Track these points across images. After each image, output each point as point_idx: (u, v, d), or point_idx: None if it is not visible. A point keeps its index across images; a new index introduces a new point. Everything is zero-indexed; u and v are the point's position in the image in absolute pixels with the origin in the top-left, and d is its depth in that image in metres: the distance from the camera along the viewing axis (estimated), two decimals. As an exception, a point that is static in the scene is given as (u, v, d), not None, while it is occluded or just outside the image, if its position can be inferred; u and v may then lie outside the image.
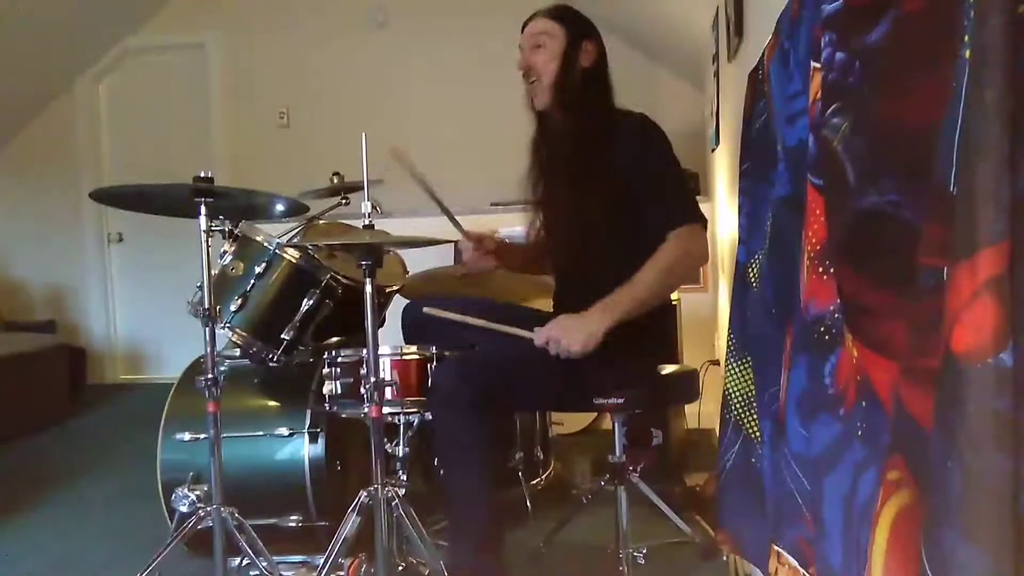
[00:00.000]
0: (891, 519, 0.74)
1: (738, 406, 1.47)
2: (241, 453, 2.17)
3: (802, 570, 1.09)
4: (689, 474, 2.76)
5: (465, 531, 1.75)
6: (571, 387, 1.83)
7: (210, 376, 1.80)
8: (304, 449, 2.18)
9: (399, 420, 2.00)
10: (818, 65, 0.96)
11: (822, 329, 0.96)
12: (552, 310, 1.99)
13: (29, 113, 5.27)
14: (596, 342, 1.71)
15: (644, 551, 1.97)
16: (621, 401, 1.85)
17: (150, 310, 5.26)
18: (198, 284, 1.92)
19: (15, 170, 5.30)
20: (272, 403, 2.31)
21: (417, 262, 2.67)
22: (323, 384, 1.94)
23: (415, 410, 1.92)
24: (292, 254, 2.15)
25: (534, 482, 2.66)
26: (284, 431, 2.19)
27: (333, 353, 1.94)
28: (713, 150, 3.61)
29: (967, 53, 0.61)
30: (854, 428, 0.87)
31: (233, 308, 2.12)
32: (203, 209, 1.81)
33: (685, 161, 1.93)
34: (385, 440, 1.82)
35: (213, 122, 5.20)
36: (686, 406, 2.86)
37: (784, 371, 1.14)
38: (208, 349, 1.83)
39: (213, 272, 1.87)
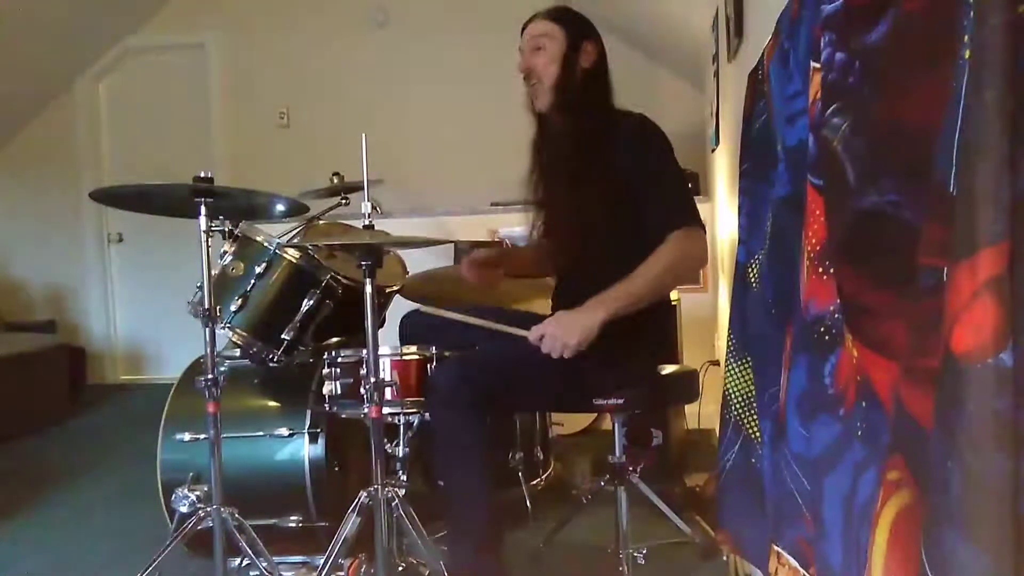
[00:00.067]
0: (891, 519, 0.74)
1: (738, 406, 1.47)
2: (241, 453, 2.17)
3: (802, 570, 1.09)
4: (689, 474, 2.76)
5: (465, 531, 1.75)
6: (571, 387, 1.83)
7: (210, 376, 1.80)
8: (304, 449, 2.18)
9: (399, 420, 2.00)
10: (818, 65, 0.96)
11: (822, 329, 0.96)
12: (550, 311, 1.99)
13: (29, 113, 5.27)
14: (592, 335, 1.70)
15: (644, 551, 1.97)
16: (621, 401, 1.85)
17: (150, 310, 5.26)
18: (198, 284, 1.92)
19: (15, 170, 5.30)
20: (272, 403, 2.31)
21: (417, 262, 2.67)
22: (323, 384, 1.94)
23: (415, 410, 1.92)
24: (292, 254, 2.15)
25: (534, 482, 2.66)
26: (284, 431, 2.19)
27: (333, 353, 1.94)
28: (713, 150, 3.61)
29: (967, 53, 0.61)
30: (854, 428, 0.87)
31: (233, 308, 2.12)
32: (203, 209, 1.81)
33: (685, 161, 1.93)
34: (385, 440, 1.82)
35: (213, 122, 5.21)
36: (686, 406, 2.86)
37: (784, 371, 1.14)
38: (208, 349, 1.83)
39: (213, 272, 1.87)
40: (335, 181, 2.39)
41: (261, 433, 2.20)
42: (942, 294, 0.64)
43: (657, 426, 2.76)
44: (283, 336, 2.12)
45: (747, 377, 1.45)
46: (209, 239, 1.84)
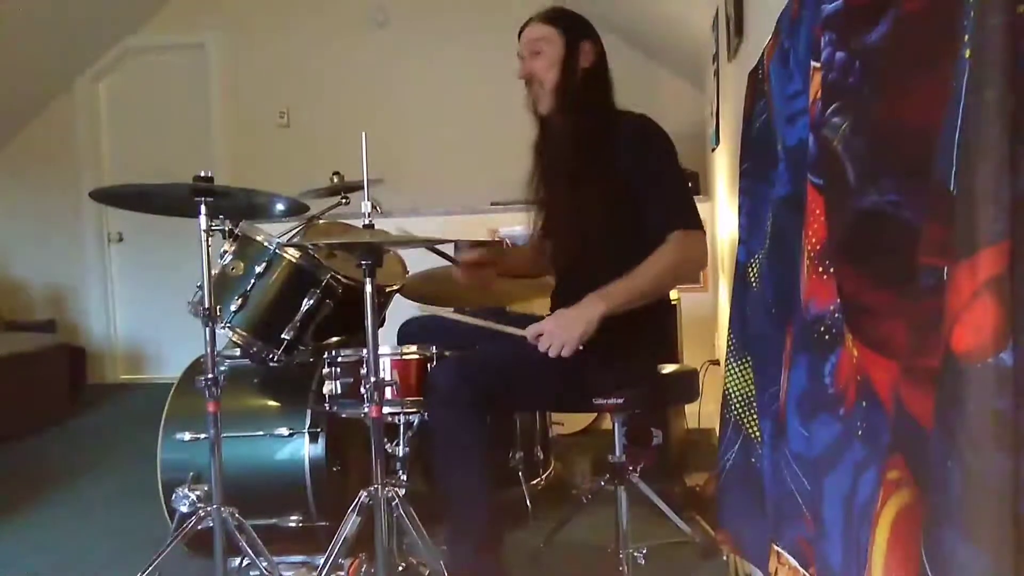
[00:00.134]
0: (891, 519, 0.74)
1: (738, 406, 1.47)
2: (241, 453, 2.17)
3: (802, 570, 1.09)
4: (689, 474, 2.76)
5: (465, 531, 1.75)
6: (571, 387, 1.83)
7: (210, 376, 1.80)
8: (304, 449, 2.18)
9: (399, 420, 2.00)
10: (818, 65, 0.96)
11: (822, 329, 0.96)
12: (550, 310, 1.99)
13: (29, 113, 5.27)
14: (592, 329, 1.70)
15: (644, 551, 1.97)
16: (621, 401, 1.85)
17: (150, 310, 5.26)
18: (198, 284, 1.91)
19: (15, 170, 5.30)
20: (272, 403, 2.31)
21: (417, 262, 2.67)
22: (323, 384, 1.94)
23: (415, 410, 1.92)
24: (292, 254, 2.15)
25: (534, 482, 2.66)
26: (284, 431, 2.19)
27: (333, 353, 1.95)
28: (713, 150, 3.61)
29: (967, 53, 0.61)
30: (854, 428, 0.87)
31: (233, 308, 2.12)
32: (203, 209, 1.81)
33: (685, 161, 1.93)
34: (385, 440, 1.82)
35: (213, 122, 5.20)
36: (686, 406, 2.86)
37: (784, 371, 1.14)
38: (208, 349, 1.83)
39: (213, 272, 1.87)
40: (335, 181, 2.39)
41: (261, 433, 2.20)
42: (942, 294, 0.64)
43: (657, 426, 2.76)
44: (283, 336, 2.12)
45: (747, 377, 1.45)
46: (209, 239, 1.84)
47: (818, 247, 0.97)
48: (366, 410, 1.74)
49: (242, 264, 2.12)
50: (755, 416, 1.40)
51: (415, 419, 2.02)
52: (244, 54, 5.17)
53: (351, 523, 1.76)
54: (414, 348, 1.90)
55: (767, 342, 1.28)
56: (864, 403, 0.84)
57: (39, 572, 2.36)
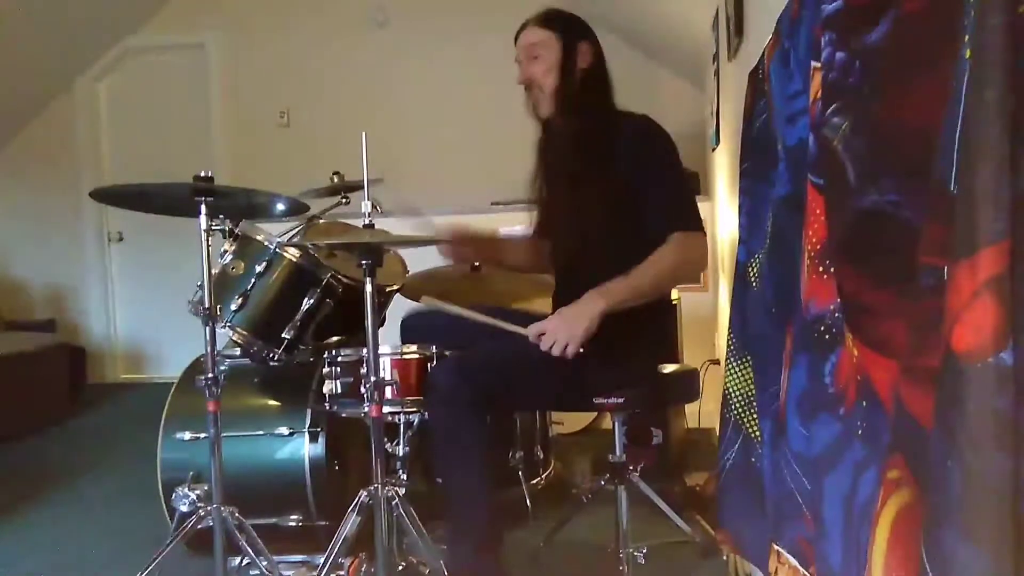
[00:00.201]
0: (891, 519, 0.74)
1: (738, 405, 1.47)
2: (241, 452, 2.17)
3: (802, 570, 1.10)
4: (689, 474, 2.76)
5: (465, 531, 1.75)
6: (571, 387, 1.83)
7: (210, 375, 1.80)
8: (304, 449, 2.18)
9: (399, 420, 2.00)
10: (818, 64, 0.96)
11: (822, 328, 0.96)
12: (551, 310, 1.99)
13: (29, 113, 5.27)
14: (594, 326, 1.70)
15: (644, 551, 1.97)
16: (621, 401, 1.85)
17: (150, 310, 5.26)
18: (198, 283, 1.92)
19: (15, 170, 5.29)
20: (272, 402, 2.31)
21: (417, 261, 2.67)
22: (323, 383, 1.94)
23: (415, 409, 1.92)
24: (292, 253, 2.15)
25: (534, 482, 2.66)
26: (284, 430, 2.19)
27: (333, 352, 1.95)
28: (713, 150, 3.61)
29: (967, 53, 0.61)
30: (854, 427, 0.87)
31: (233, 307, 2.12)
32: (203, 208, 1.81)
33: (685, 161, 1.93)
34: (385, 440, 1.82)
35: (213, 122, 5.20)
36: (686, 406, 2.86)
37: (784, 370, 1.14)
38: (208, 348, 1.83)
39: (213, 271, 1.87)
40: (335, 180, 2.39)
41: (261, 432, 2.20)
42: (942, 293, 0.64)
43: (657, 425, 2.76)
44: (283, 335, 2.12)
45: (747, 376, 1.45)
46: (209, 238, 1.84)
47: (818, 247, 0.97)
48: (366, 410, 1.74)
49: (242, 263, 2.12)
50: (755, 416, 1.40)
51: (415, 418, 2.02)
52: (244, 54, 5.17)
53: (351, 523, 1.76)
54: (414, 348, 1.90)
55: (767, 342, 1.28)
56: (864, 403, 0.84)
57: (39, 572, 2.36)
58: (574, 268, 1.98)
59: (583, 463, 3.12)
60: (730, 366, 1.51)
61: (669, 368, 2.09)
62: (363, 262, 1.71)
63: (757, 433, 1.39)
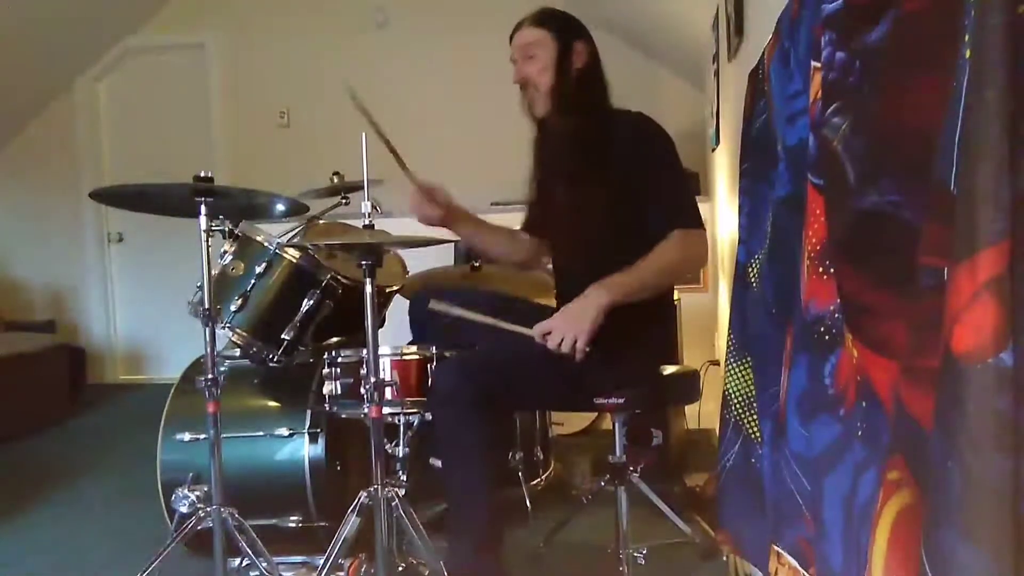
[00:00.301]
0: (891, 519, 0.74)
1: (738, 406, 1.47)
2: (241, 453, 2.17)
3: (802, 570, 1.09)
4: (689, 474, 2.76)
5: (465, 531, 1.75)
6: (571, 387, 1.83)
7: (210, 376, 1.80)
8: (304, 449, 2.18)
9: (399, 420, 2.00)
10: (818, 64, 0.96)
11: (822, 329, 0.96)
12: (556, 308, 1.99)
13: (29, 113, 5.27)
14: (600, 320, 1.70)
15: (644, 551, 1.97)
16: (621, 401, 1.85)
17: (150, 310, 5.26)
18: (198, 284, 1.91)
19: (15, 170, 5.29)
20: (272, 403, 2.31)
21: (417, 262, 2.67)
22: (323, 384, 1.94)
23: (415, 410, 1.92)
24: (292, 254, 2.15)
25: (534, 482, 2.66)
26: (284, 431, 2.19)
27: (333, 353, 1.94)
28: (713, 150, 3.61)
29: (967, 53, 0.61)
30: (854, 428, 0.87)
31: (233, 308, 2.12)
32: (203, 209, 1.81)
33: (685, 161, 1.93)
34: (385, 440, 1.82)
35: (213, 122, 5.20)
36: (686, 406, 2.85)
37: (784, 371, 1.14)
38: (208, 349, 1.83)
39: (213, 272, 1.87)
40: (335, 181, 2.39)
41: (261, 433, 2.20)
42: (942, 294, 0.64)
43: (657, 426, 2.76)
44: (283, 336, 2.12)
45: (747, 377, 1.45)
46: (209, 239, 1.84)
47: (818, 247, 0.96)
48: (366, 410, 1.74)
49: (242, 264, 2.12)
50: (755, 416, 1.40)
51: (415, 419, 2.02)
52: (244, 54, 5.17)
53: (351, 523, 1.75)
54: (414, 348, 1.90)
55: (767, 342, 1.28)
56: (864, 403, 0.84)
57: (39, 572, 2.36)
58: (574, 267, 1.98)
59: (583, 464, 3.12)
60: (730, 367, 1.51)
61: (669, 369, 2.08)
62: (363, 263, 1.70)
63: (757, 434, 1.39)
